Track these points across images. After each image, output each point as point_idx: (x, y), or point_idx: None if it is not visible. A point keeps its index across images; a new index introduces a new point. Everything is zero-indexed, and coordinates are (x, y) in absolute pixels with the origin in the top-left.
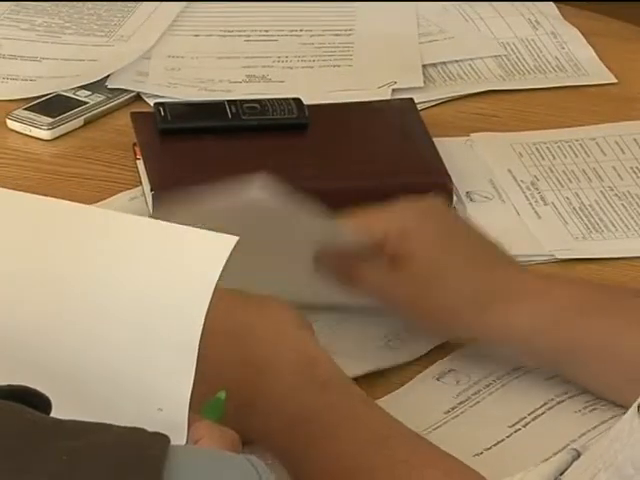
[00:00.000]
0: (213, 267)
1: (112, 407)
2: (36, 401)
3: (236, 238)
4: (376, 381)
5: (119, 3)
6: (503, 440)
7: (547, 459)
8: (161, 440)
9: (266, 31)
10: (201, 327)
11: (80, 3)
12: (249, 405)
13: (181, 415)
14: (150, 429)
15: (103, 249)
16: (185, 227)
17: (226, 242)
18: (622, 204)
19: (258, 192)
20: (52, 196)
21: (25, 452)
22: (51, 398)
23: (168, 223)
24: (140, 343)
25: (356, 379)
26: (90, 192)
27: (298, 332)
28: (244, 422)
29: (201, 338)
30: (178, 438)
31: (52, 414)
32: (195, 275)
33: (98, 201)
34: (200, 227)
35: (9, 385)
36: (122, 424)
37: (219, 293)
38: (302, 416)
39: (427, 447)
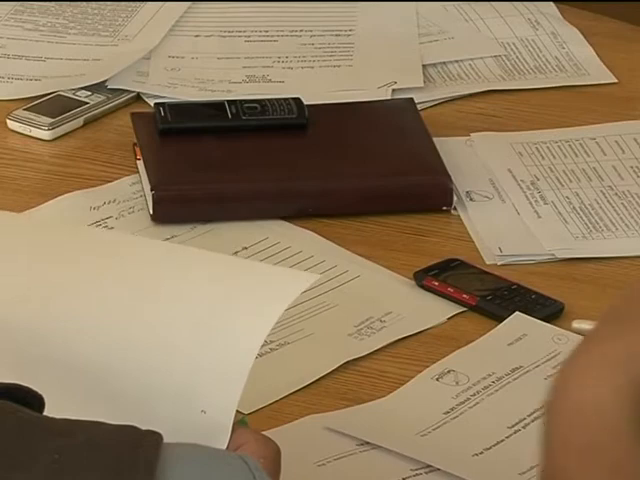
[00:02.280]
0: (289, 292)
1: (148, 407)
2: (29, 399)
3: (317, 276)
4: (376, 380)
5: (123, 3)
6: (503, 440)
7: None
8: (154, 437)
9: (266, 31)
10: (264, 336)
11: (84, 3)
12: None
13: (227, 419)
14: (189, 430)
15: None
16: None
17: (305, 277)
18: (622, 203)
19: None
20: (52, 196)
21: (16, 450)
22: (86, 393)
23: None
24: (197, 346)
25: (356, 379)
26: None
27: None
28: None
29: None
30: (220, 442)
31: (89, 413)
32: (268, 296)
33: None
34: None
35: (2, 383)
36: (159, 423)
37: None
38: None
39: None
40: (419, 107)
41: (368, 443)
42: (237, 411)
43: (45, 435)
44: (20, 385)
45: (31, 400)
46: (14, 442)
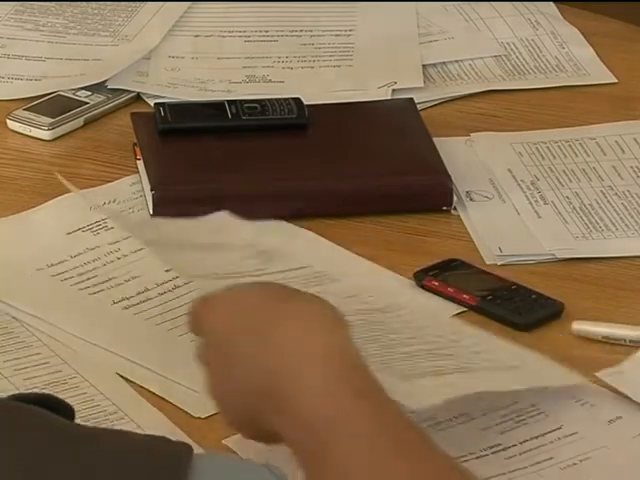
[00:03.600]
0: None
1: None
2: (60, 408)
3: None
4: None
5: (123, 3)
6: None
7: None
8: (183, 448)
9: (266, 31)
10: None
11: (84, 3)
12: (277, 413)
13: None
14: None
15: None
16: None
17: None
18: (622, 203)
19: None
20: (52, 196)
21: (49, 456)
22: None
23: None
24: None
25: None
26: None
27: (327, 337)
28: (273, 426)
29: None
30: None
31: None
32: None
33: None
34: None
35: (34, 392)
36: None
37: (247, 287)
38: (328, 423)
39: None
40: (419, 107)
41: None
42: None
43: (76, 443)
44: (51, 395)
45: (61, 409)
46: (46, 448)
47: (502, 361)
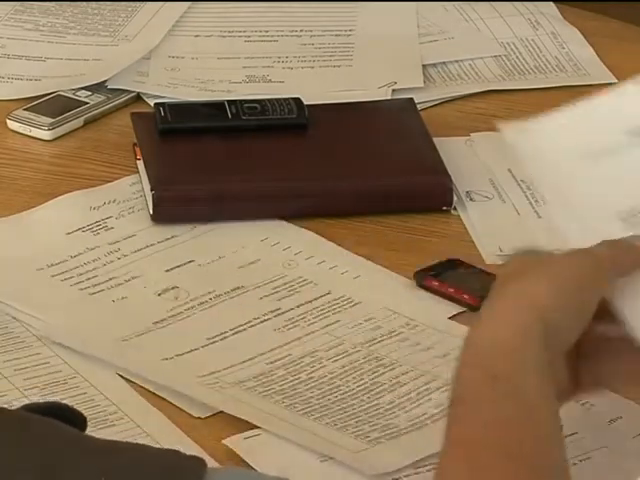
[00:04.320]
0: None
1: None
2: (72, 417)
3: None
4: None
5: (123, 3)
6: (198, 349)
7: None
8: (197, 463)
9: (266, 31)
10: None
11: (84, 3)
12: None
13: None
14: None
15: None
16: None
17: None
18: None
19: None
20: (52, 196)
21: (64, 469)
22: None
23: None
24: None
25: None
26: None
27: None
28: None
29: None
30: None
31: None
32: None
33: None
34: None
35: (46, 401)
36: None
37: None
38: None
39: None
40: (419, 107)
41: None
42: None
43: (91, 455)
44: (63, 404)
45: (74, 419)
46: (61, 461)
47: None
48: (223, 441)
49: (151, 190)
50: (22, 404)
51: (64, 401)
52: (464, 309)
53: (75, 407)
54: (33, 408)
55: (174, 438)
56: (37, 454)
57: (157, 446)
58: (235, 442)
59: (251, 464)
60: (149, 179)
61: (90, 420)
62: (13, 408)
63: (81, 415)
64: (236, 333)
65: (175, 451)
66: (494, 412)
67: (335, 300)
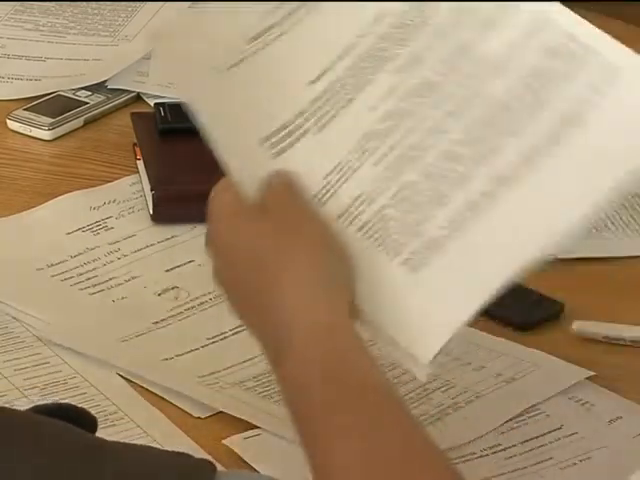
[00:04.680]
0: None
1: None
2: (82, 419)
3: None
4: None
5: (123, 3)
6: (198, 349)
7: None
8: (208, 467)
9: None
10: None
11: (84, 3)
12: (276, 363)
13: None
14: None
15: None
16: None
17: None
18: (622, 203)
19: None
20: (52, 196)
21: (78, 473)
22: None
23: None
24: None
25: None
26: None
27: (323, 293)
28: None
29: None
30: None
31: None
32: None
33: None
34: None
35: (55, 403)
36: None
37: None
38: (308, 389)
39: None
40: None
41: None
42: None
43: (104, 458)
44: (73, 405)
45: (84, 421)
46: (74, 463)
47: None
48: (223, 441)
49: (151, 190)
50: (28, 405)
51: (64, 401)
52: None
53: (85, 408)
54: (42, 409)
55: (174, 438)
56: (49, 456)
57: (157, 446)
58: (235, 442)
59: (251, 464)
60: (149, 179)
61: None
62: (24, 409)
63: (91, 417)
64: (236, 333)
65: (187, 455)
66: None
67: None
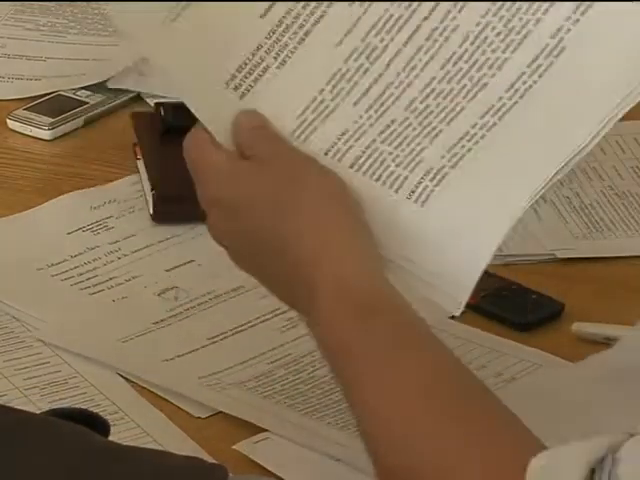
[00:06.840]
0: None
1: None
2: (94, 423)
3: None
4: None
5: None
6: (198, 349)
7: None
8: (220, 472)
9: None
10: None
11: (84, 3)
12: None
13: None
14: None
15: None
16: None
17: None
18: (622, 203)
19: None
20: (52, 196)
21: (92, 474)
22: None
23: None
24: None
25: None
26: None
27: (343, 247)
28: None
29: None
30: None
31: None
32: None
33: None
34: None
35: (70, 408)
36: None
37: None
38: (337, 347)
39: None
40: None
41: None
42: None
43: (120, 460)
44: (86, 410)
45: (97, 425)
46: (92, 467)
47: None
48: (233, 446)
49: (151, 190)
50: (28, 405)
51: (64, 401)
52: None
53: (98, 413)
54: (57, 412)
55: (175, 438)
56: (67, 460)
57: (157, 446)
58: (243, 447)
59: (260, 462)
60: (149, 179)
61: None
62: (39, 412)
63: (104, 421)
64: (236, 333)
65: (199, 459)
66: None
67: None
